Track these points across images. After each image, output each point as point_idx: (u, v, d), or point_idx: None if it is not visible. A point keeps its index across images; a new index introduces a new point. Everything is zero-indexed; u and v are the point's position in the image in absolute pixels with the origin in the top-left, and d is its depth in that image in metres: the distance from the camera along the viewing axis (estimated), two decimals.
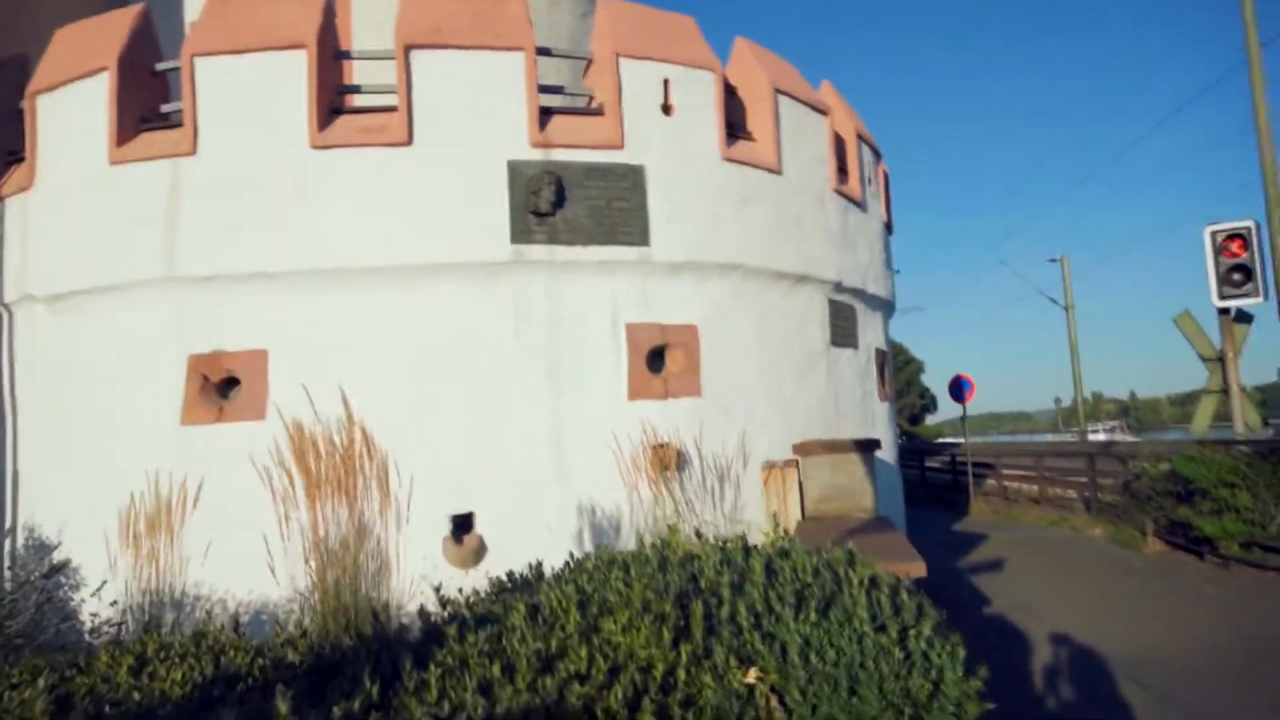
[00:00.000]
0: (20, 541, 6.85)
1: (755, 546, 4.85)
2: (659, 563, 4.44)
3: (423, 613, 4.72)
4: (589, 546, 6.60)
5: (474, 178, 6.75)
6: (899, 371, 57.77)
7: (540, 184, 6.81)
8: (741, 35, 8.54)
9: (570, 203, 6.95)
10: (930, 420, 67.29)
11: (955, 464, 20.77)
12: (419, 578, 5.87)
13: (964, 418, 21.68)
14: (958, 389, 19.86)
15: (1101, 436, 44.76)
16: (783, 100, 8.19)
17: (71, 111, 6.89)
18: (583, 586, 4.21)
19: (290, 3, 7.00)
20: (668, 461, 6.87)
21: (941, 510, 18.11)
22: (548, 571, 5.34)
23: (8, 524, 6.94)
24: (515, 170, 6.84)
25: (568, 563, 5.31)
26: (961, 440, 21.22)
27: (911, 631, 3.34)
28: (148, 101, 7.05)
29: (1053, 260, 31.46)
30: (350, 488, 5.45)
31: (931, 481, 22.30)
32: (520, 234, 6.81)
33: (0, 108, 7.46)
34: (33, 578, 6.16)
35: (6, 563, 6.79)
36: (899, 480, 10.81)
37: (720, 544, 4.97)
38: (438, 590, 5.16)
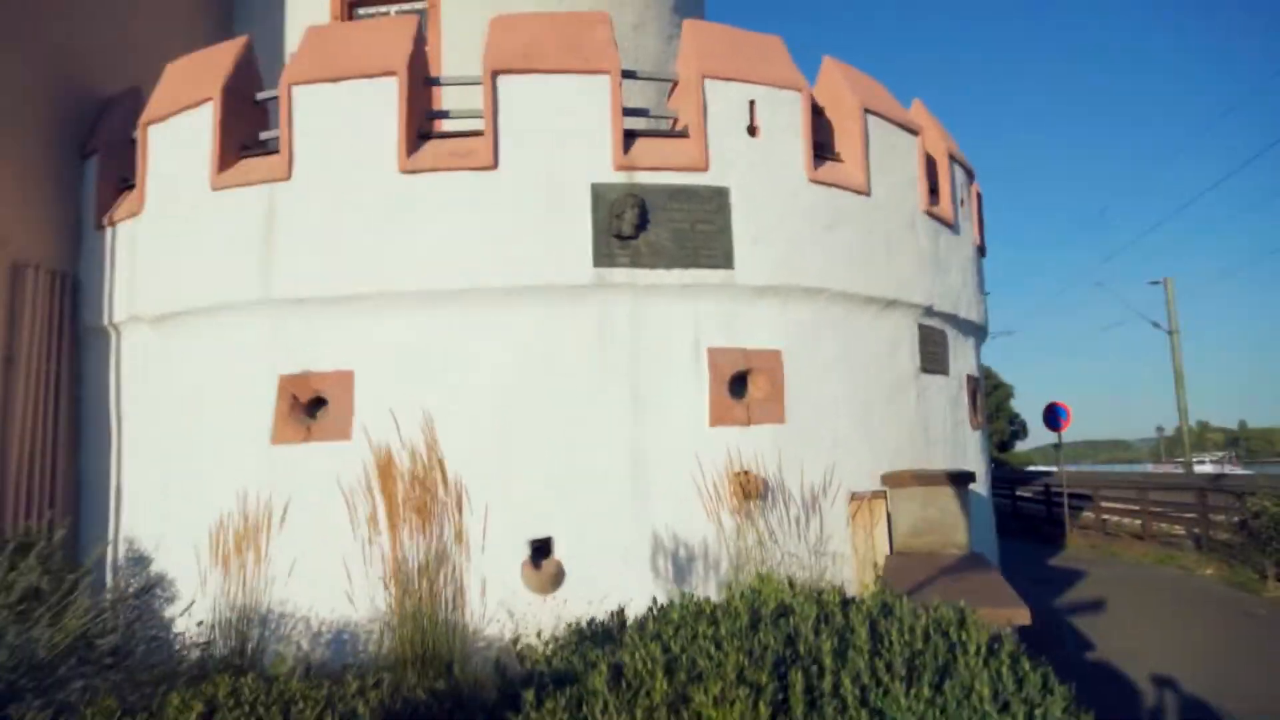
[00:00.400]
0: (121, 553, 7.11)
1: (854, 600, 4.52)
2: (750, 618, 4.13)
3: (499, 666, 4.59)
4: (668, 575, 6.47)
5: (557, 201, 6.75)
6: (987, 396, 55.91)
7: (623, 207, 6.77)
8: (833, 55, 8.37)
9: (653, 225, 6.88)
10: (1020, 447, 64.87)
11: (1049, 494, 19.83)
12: (496, 604, 5.83)
13: (1059, 446, 20.77)
14: (1053, 417, 19.02)
15: (1209, 468, 42.27)
16: (872, 120, 7.98)
17: (178, 140, 7.18)
18: (669, 643, 3.92)
19: (383, 31, 7.18)
20: (750, 490, 6.69)
21: (1035, 543, 17.29)
22: (630, 612, 5.20)
23: (110, 536, 7.22)
24: (598, 193, 6.82)
25: (651, 611, 5.07)
26: (1055, 469, 20.30)
27: (1038, 711, 3.01)
28: (248, 129, 7.30)
29: (1155, 283, 30.05)
30: (430, 512, 5.45)
31: (1024, 512, 21.35)
32: (603, 257, 6.77)
33: (115, 138, 7.86)
34: (127, 594, 6.36)
35: (109, 574, 7.05)
36: (992, 513, 10.34)
37: (815, 594, 4.71)
38: (515, 643, 5.07)
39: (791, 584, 5.75)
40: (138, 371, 7.34)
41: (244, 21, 10.62)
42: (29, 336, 7.21)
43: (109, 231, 7.57)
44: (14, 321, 7.16)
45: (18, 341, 7.15)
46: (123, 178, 7.70)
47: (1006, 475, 30.03)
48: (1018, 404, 58.68)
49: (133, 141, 7.49)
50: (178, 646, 6.21)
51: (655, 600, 5.65)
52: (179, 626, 6.41)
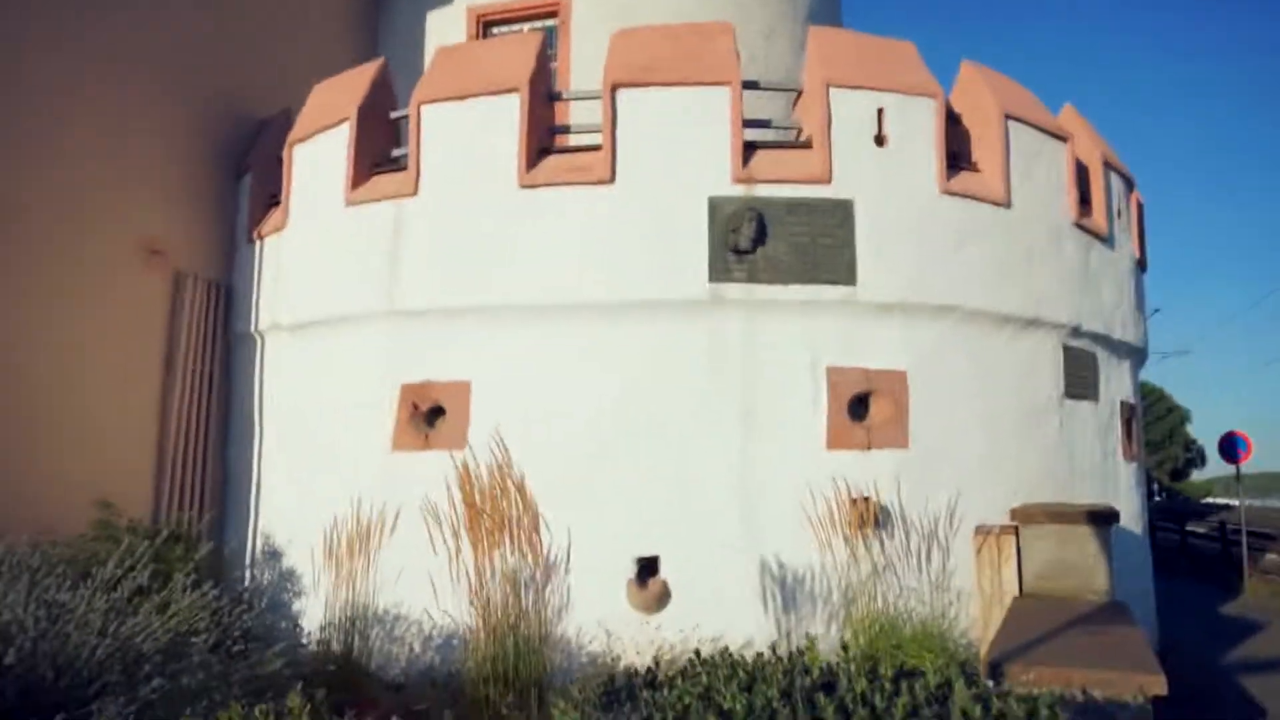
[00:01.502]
0: (259, 547, 7.56)
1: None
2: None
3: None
4: (775, 603, 6.24)
5: (673, 215, 6.67)
6: (1159, 421, 51.58)
7: (740, 221, 6.60)
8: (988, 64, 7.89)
9: (771, 239, 6.67)
10: (1197, 476, 59.55)
11: (1226, 532, 17.95)
12: (595, 623, 5.78)
13: (1239, 477, 18.80)
14: (1231, 447, 17.22)
15: None
16: (1013, 126, 7.44)
17: (318, 158, 7.60)
18: None
19: (508, 48, 7.35)
20: (867, 518, 6.35)
21: (1206, 586, 15.68)
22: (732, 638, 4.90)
23: (249, 530, 7.70)
24: (715, 207, 6.68)
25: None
26: (1234, 503, 18.39)
27: None
28: (382, 147, 7.64)
29: None
30: (523, 525, 5.47)
31: (1194, 550, 19.43)
32: (718, 272, 6.62)
33: (267, 157, 8.42)
34: (262, 584, 6.77)
35: (247, 566, 7.52)
36: (1147, 553, 9.41)
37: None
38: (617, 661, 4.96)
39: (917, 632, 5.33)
40: (278, 376, 7.81)
41: (388, 44, 11.17)
42: (187, 341, 7.82)
43: (257, 244, 8.11)
44: (174, 328, 7.78)
45: (177, 346, 7.76)
46: (272, 194, 8.22)
47: (1176, 508, 27.55)
48: (1195, 429, 53.88)
49: (280, 160, 7.98)
50: (305, 640, 6.54)
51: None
52: (304, 622, 6.76)
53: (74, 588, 4.51)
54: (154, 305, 7.67)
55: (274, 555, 7.33)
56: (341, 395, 7.15)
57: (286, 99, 8.82)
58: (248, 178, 8.44)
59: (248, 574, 7.40)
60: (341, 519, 6.28)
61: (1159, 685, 3.58)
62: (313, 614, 6.66)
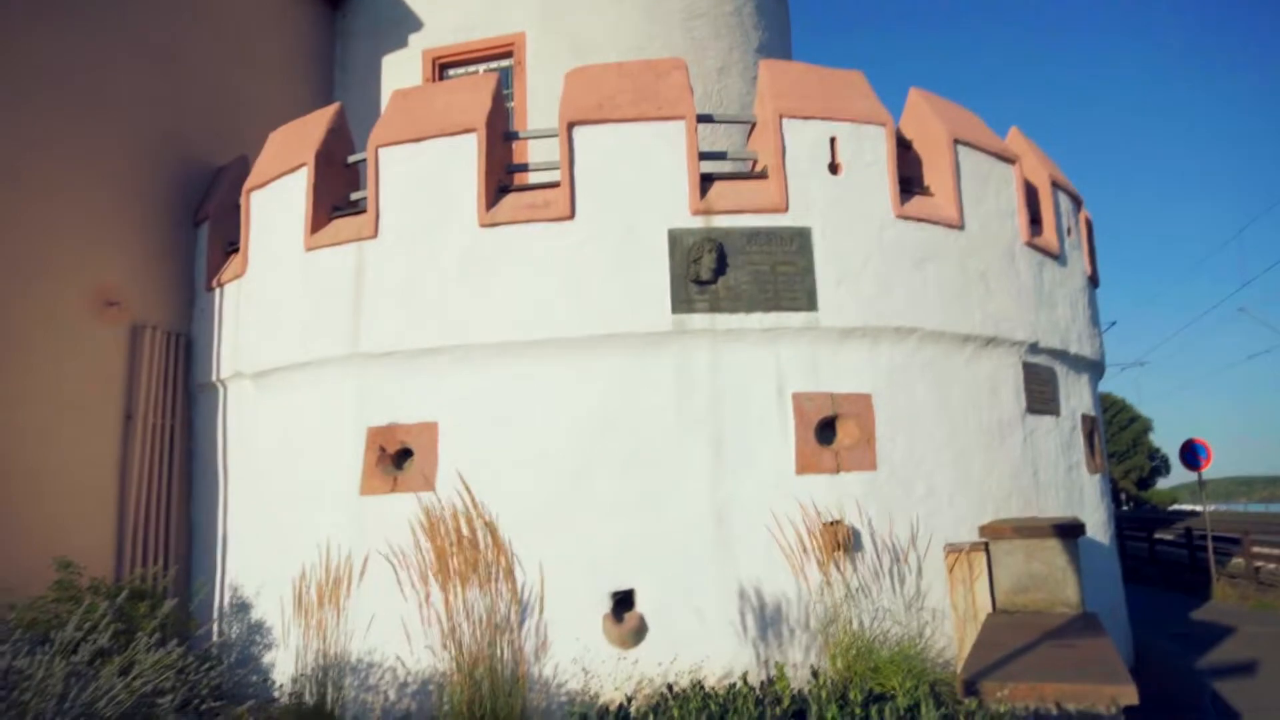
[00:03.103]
0: (226, 600, 7.40)
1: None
2: None
3: None
4: (751, 631, 6.22)
5: (634, 248, 6.72)
6: (1122, 431, 52.51)
7: (700, 252, 6.67)
8: (930, 90, 8.09)
9: (732, 269, 6.75)
10: (1163, 484, 60.61)
11: (1192, 538, 18.23)
12: (572, 660, 5.72)
13: (1201, 484, 19.17)
14: (1191, 455, 17.57)
15: None
16: (963, 150, 7.63)
17: (276, 204, 7.57)
18: None
19: (463, 90, 7.39)
20: (839, 541, 6.38)
21: (1175, 593, 15.89)
22: (709, 670, 4.92)
23: (216, 583, 7.53)
24: (675, 239, 6.75)
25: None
26: (1199, 509, 18.70)
27: None
28: (340, 191, 7.62)
29: None
30: (494, 564, 5.42)
31: (1163, 557, 19.71)
32: (681, 303, 6.67)
33: (224, 205, 8.37)
34: (230, 638, 6.61)
35: (215, 620, 7.35)
36: (1115, 563, 9.54)
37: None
38: (596, 698, 4.93)
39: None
40: (241, 425, 7.69)
41: (344, 88, 11.21)
42: (146, 394, 7.70)
43: (217, 293, 8.03)
44: (133, 380, 7.66)
45: (136, 398, 7.64)
46: (230, 242, 8.17)
47: (1143, 516, 27.99)
48: (1158, 438, 54.88)
49: (238, 207, 7.93)
50: (276, 694, 6.39)
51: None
52: (275, 675, 6.61)
53: (32, 653, 4.38)
54: (111, 357, 7.56)
55: (242, 608, 7.18)
56: (307, 441, 7.07)
57: (243, 146, 8.81)
58: (205, 226, 8.37)
59: (216, 628, 7.24)
60: (310, 567, 6.19)
61: (1131, 695, 3.63)
62: (284, 666, 6.52)
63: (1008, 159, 8.04)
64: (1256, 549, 16.56)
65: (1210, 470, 18.25)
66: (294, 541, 6.69)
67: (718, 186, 6.98)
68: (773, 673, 5.84)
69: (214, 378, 7.88)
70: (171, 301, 8.19)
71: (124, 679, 4.42)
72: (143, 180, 8.06)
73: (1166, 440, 54.83)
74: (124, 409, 7.60)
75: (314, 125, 7.75)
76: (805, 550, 6.32)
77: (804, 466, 6.64)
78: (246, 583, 7.25)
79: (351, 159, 7.73)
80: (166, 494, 7.77)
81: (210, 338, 7.99)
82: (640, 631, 6.28)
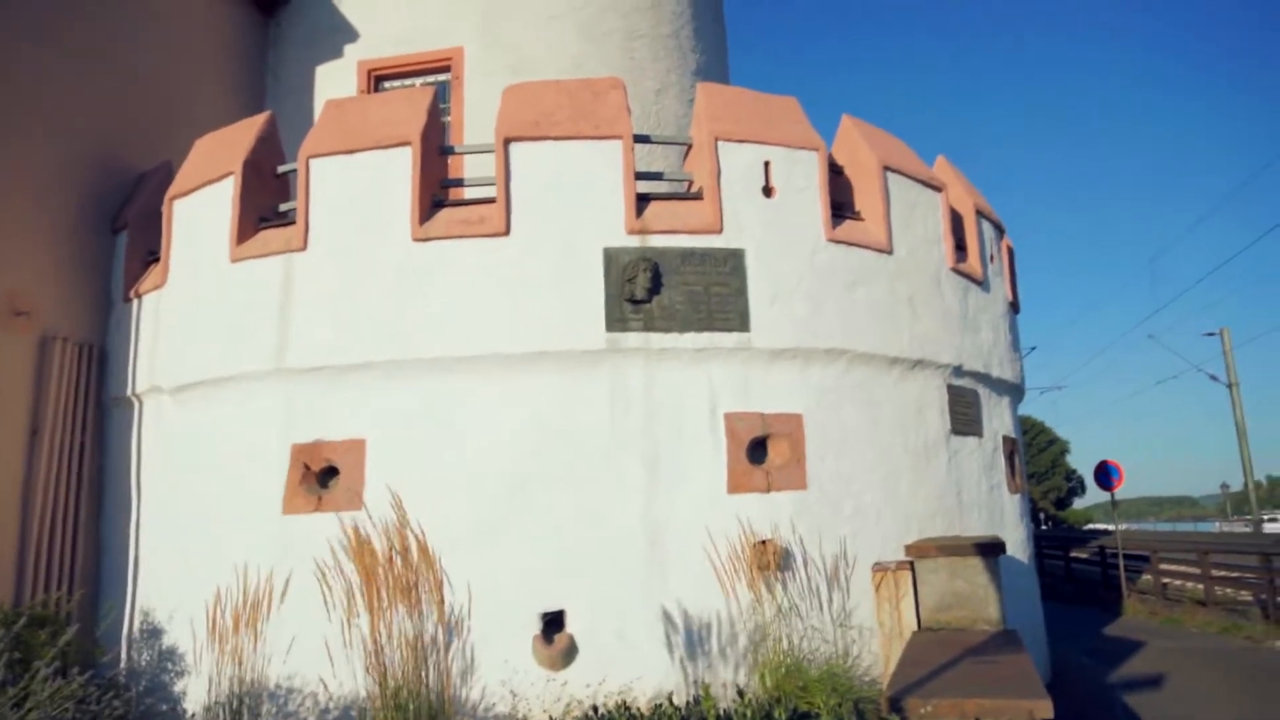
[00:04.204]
0: (136, 626, 7.06)
1: None
2: None
3: None
4: (682, 651, 6.21)
5: (570, 266, 6.71)
6: (1041, 452, 54.39)
7: (636, 271, 6.69)
8: (861, 117, 8.29)
9: (667, 288, 6.78)
10: (1079, 504, 62.92)
11: (1105, 556, 18.95)
12: (500, 683, 5.62)
13: (1114, 504, 19.94)
14: (1105, 476, 18.29)
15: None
16: (892, 177, 7.85)
17: (200, 213, 7.33)
18: None
19: (399, 103, 7.31)
20: (770, 560, 6.43)
21: (1090, 609, 16.48)
22: (640, 690, 4.89)
23: (126, 607, 7.19)
24: (611, 257, 6.76)
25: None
26: (1112, 528, 19.44)
27: None
28: (269, 202, 7.44)
29: (1211, 334, 29.09)
30: (423, 585, 5.31)
31: (1079, 575, 20.42)
32: (616, 322, 6.68)
33: (145, 212, 8.06)
34: (139, 666, 6.30)
35: (124, 646, 7.01)
36: (1034, 581, 9.84)
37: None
38: None
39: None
40: (157, 442, 7.39)
41: (277, 97, 10.96)
42: (55, 408, 7.33)
43: (135, 303, 7.72)
44: (40, 393, 7.29)
45: (44, 413, 7.26)
46: (150, 250, 7.88)
47: (1062, 535, 28.94)
48: (1074, 460, 56.97)
49: (160, 215, 7.66)
50: (189, 716, 6.12)
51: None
52: (187, 704, 6.33)
53: None
54: (18, 369, 7.18)
55: (153, 633, 6.86)
56: (227, 459, 6.82)
57: (167, 151, 8.53)
58: (124, 234, 8.06)
59: (124, 655, 6.90)
60: (227, 589, 5.95)
61: (1046, 710, 3.74)
62: (196, 694, 6.25)
63: (935, 186, 8.30)
64: (1164, 566, 17.30)
65: (1122, 490, 19.06)
66: (210, 563, 6.42)
67: (654, 206, 7.03)
68: (697, 692, 5.83)
69: (129, 391, 7.56)
70: (85, 312, 7.84)
71: (17, 712, 4.17)
72: (58, 184, 7.72)
73: (1082, 462, 56.86)
74: (30, 424, 7.22)
75: (243, 133, 7.55)
76: (736, 569, 6.34)
77: (736, 486, 6.69)
78: (159, 606, 6.94)
79: (282, 169, 7.55)
80: (74, 514, 7.39)
81: (126, 350, 7.67)
82: (570, 653, 6.21)
